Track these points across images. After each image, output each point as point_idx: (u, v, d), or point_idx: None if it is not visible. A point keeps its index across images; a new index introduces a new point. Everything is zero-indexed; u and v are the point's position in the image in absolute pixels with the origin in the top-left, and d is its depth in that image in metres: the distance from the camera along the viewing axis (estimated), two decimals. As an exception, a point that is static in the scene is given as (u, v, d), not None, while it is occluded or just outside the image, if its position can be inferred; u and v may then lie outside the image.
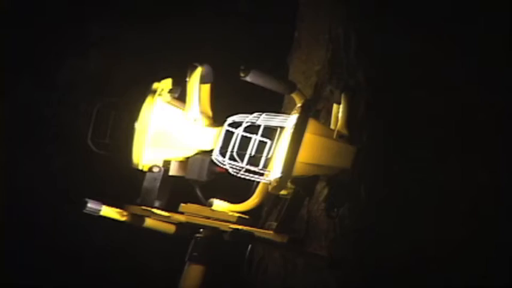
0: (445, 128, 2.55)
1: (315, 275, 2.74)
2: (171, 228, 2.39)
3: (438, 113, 2.56)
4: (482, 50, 2.53)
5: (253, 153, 2.28)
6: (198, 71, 2.34)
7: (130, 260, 3.52)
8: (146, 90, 2.32)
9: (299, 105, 2.28)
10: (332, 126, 2.34)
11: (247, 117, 2.28)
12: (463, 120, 2.54)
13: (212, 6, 3.58)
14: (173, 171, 2.37)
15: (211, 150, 2.32)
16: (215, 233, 2.31)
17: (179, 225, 2.37)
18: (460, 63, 2.55)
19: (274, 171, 2.26)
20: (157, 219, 2.36)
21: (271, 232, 2.27)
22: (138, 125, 2.29)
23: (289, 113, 2.30)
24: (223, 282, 2.36)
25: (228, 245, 2.32)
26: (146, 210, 2.33)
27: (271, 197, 2.39)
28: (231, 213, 2.32)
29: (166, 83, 2.35)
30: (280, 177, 2.21)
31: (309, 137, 2.23)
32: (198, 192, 2.35)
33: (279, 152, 2.28)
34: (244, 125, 2.28)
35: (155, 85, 2.33)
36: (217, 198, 2.34)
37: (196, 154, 2.35)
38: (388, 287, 2.57)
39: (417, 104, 2.59)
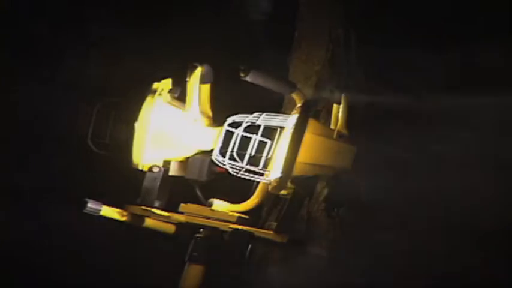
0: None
1: (314, 275, 2.74)
2: (171, 228, 2.39)
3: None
4: (482, 50, 2.52)
5: (253, 153, 2.28)
6: (198, 71, 2.34)
7: (130, 260, 3.52)
8: (146, 90, 2.32)
9: (299, 105, 2.28)
10: (332, 126, 2.33)
11: (247, 117, 2.28)
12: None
13: (212, 6, 3.58)
14: (173, 171, 2.37)
15: (211, 150, 2.32)
16: (215, 233, 2.31)
17: (179, 225, 2.37)
18: (460, 63, 2.55)
19: (274, 171, 2.26)
20: (157, 219, 2.36)
21: (271, 232, 2.27)
22: (138, 125, 2.29)
23: (289, 113, 2.30)
24: (223, 282, 2.36)
25: (228, 245, 2.32)
26: (146, 210, 2.33)
27: (271, 197, 2.39)
28: (231, 213, 2.32)
29: (166, 83, 2.35)
30: (280, 177, 2.21)
31: (309, 137, 2.22)
32: (198, 192, 2.35)
33: (279, 152, 2.27)
34: (244, 125, 2.28)
35: (155, 85, 2.33)
36: (217, 198, 2.34)
37: (196, 154, 2.35)
38: (388, 287, 2.57)
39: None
